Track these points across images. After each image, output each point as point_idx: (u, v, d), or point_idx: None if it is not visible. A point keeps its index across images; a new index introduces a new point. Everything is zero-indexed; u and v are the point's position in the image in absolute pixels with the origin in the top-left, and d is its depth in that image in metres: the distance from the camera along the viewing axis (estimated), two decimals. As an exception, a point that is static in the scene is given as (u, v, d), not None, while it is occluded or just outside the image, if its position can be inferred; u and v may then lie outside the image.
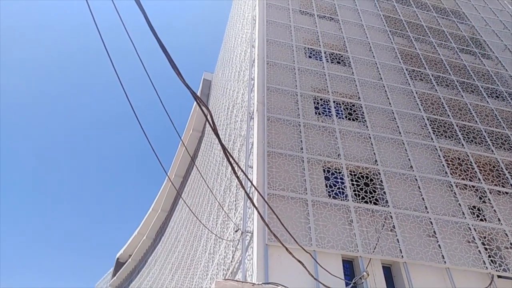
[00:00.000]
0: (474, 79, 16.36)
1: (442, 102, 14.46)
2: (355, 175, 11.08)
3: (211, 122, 4.89)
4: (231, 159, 5.58)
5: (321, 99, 13.12)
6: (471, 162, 12.32)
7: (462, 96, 15.14)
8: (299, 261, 6.66)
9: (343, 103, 13.34)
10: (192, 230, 23.32)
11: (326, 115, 12.64)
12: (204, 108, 5.17)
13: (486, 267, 9.50)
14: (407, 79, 15.05)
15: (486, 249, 10.07)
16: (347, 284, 8.46)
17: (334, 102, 13.14)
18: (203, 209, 21.32)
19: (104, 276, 64.72)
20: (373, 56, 15.80)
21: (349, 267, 9.09)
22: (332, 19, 17.76)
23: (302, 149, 11.08)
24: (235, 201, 12.42)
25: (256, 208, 4.78)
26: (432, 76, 15.77)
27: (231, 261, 10.85)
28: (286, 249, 6.11)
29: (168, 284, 26.59)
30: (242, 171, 4.63)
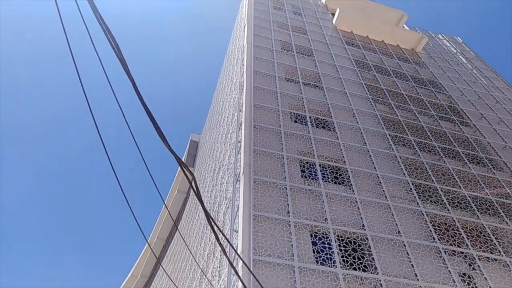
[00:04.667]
0: (455, 145, 16.88)
1: (426, 167, 14.74)
2: (342, 240, 10.85)
3: (194, 188, 4.83)
4: (215, 227, 5.43)
5: (307, 163, 13.24)
6: (457, 227, 12.27)
7: (444, 161, 15.50)
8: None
9: (329, 167, 13.47)
10: (173, 299, 21.96)
11: (312, 179, 12.68)
12: (188, 174, 5.13)
13: None
14: (391, 144, 15.44)
15: (480, 320, 9.67)
16: None
17: (320, 165, 13.26)
18: (185, 275, 20.30)
19: None
20: (357, 122, 16.32)
21: None
22: (317, 86, 18.57)
23: (288, 212, 10.92)
24: (219, 267, 11.90)
25: (241, 279, 4.55)
26: (415, 141, 16.24)
27: (213, 335, 10.12)
28: (272, 321, 5.74)
29: None
30: (226, 239, 4.48)
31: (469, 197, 13.85)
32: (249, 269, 5.68)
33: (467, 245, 11.67)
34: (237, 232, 10.37)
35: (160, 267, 35.68)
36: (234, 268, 4.29)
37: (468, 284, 10.55)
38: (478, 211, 13.35)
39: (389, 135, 16.05)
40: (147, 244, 41.76)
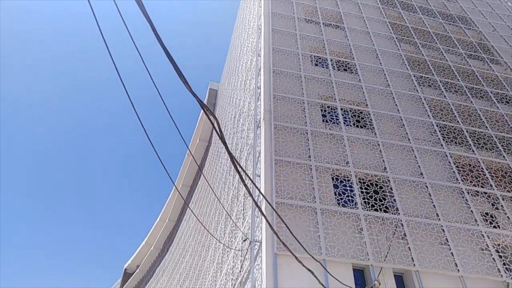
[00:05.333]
0: (483, 85, 16.19)
1: (451, 108, 14.31)
2: (364, 182, 10.95)
3: (218, 130, 4.85)
4: (238, 167, 5.50)
5: (328, 107, 13.05)
6: (482, 168, 12.12)
7: (471, 102, 14.97)
8: (310, 270, 6.53)
9: (350, 111, 13.26)
10: (200, 240, 23.19)
11: (333, 123, 12.56)
12: (211, 116, 5.14)
13: (501, 275, 9.26)
14: (415, 86, 14.94)
15: (500, 256, 9.83)
16: (358, 294, 8.29)
17: (341, 109, 13.06)
18: (211, 219, 21.22)
19: (112, 287, 64.58)
20: (380, 63, 15.73)
21: (360, 276, 8.91)
22: (338, 27, 17.77)
23: (310, 157, 10.99)
24: (243, 210, 12.33)
25: (265, 217, 4.69)
26: (441, 82, 15.64)
27: (240, 271, 10.73)
28: (296, 258, 6.00)
29: (176, 295, 26.39)
30: (250, 179, 4.57)
31: (496, 137, 13.50)
32: (272, 208, 5.85)
33: (491, 185, 11.58)
34: (259, 176, 10.58)
35: (186, 212, 37.35)
36: (258, 207, 4.41)
37: (490, 223, 10.61)
38: (505, 151, 13.06)
39: (414, 76, 15.48)
40: (173, 190, 43.50)
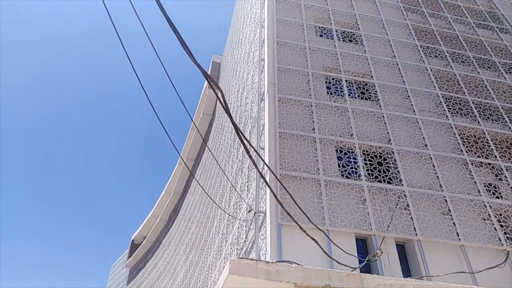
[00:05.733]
0: (491, 55, 15.89)
1: (458, 79, 14.12)
2: (368, 154, 10.98)
3: (222, 101, 4.84)
4: (243, 138, 5.51)
5: (333, 79, 12.92)
6: (487, 139, 12.09)
7: (478, 72, 14.75)
8: (314, 239, 6.67)
9: (355, 82, 13.13)
10: (205, 212, 23.60)
11: (338, 95, 12.47)
12: (215, 87, 5.12)
13: (502, 244, 9.41)
14: (422, 56, 14.70)
15: (501, 226, 9.96)
16: (360, 262, 8.49)
17: (346, 81, 12.93)
18: (215, 191, 21.50)
19: (120, 257, 66.46)
20: (386, 34, 15.42)
21: (363, 246, 9.10)
22: (343, -5, 17.30)
23: (314, 129, 10.99)
24: (247, 182, 12.47)
25: (269, 187, 4.76)
26: (448, 52, 15.36)
27: (245, 241, 10.97)
28: (300, 227, 6.12)
29: (182, 264, 27.16)
30: (254, 149, 4.60)
31: (502, 108, 13.38)
32: (277, 178, 5.92)
33: (495, 156, 11.58)
34: (263, 149, 10.63)
35: (191, 185, 37.83)
36: (263, 177, 4.47)
37: (493, 193, 10.69)
38: (511, 122, 12.97)
39: (421, 47, 15.19)
40: (177, 164, 43.82)
